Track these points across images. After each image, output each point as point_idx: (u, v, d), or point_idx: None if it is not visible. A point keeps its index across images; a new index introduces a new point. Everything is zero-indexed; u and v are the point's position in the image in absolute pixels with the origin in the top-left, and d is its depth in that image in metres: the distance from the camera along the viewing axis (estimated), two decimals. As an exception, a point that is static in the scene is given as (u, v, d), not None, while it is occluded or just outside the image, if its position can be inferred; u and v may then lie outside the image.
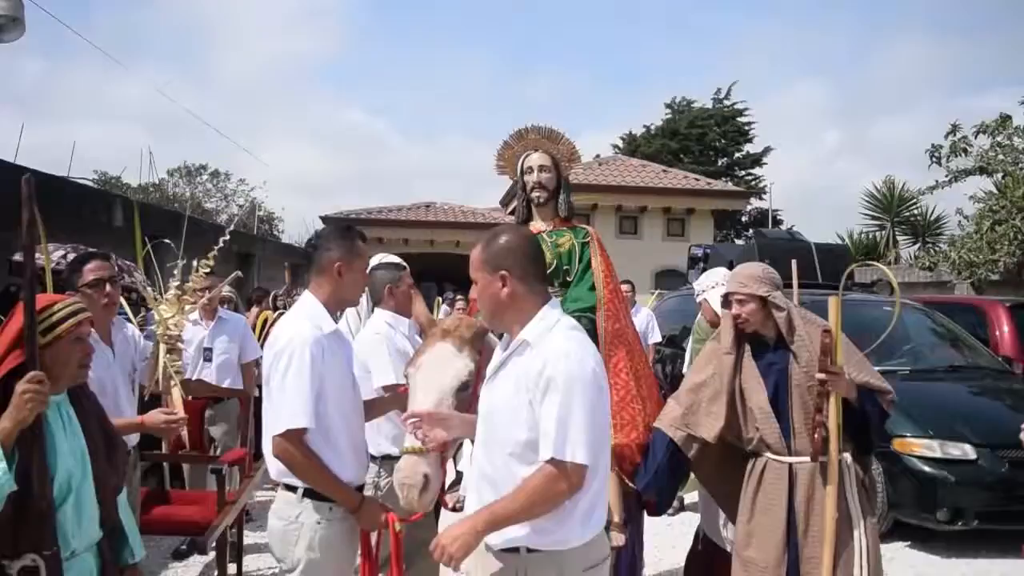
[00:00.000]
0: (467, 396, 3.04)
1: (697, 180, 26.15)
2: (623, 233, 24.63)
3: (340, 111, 65.39)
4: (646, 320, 10.01)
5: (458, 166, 65.46)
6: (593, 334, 4.17)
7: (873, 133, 60.17)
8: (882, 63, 66.36)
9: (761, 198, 35.16)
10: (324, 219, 25.25)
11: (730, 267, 9.95)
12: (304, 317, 3.12)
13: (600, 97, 65.97)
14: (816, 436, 3.39)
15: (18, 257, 6.57)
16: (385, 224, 25.47)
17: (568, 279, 4.29)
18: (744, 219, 35.31)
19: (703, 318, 5.48)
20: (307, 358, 2.97)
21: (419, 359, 3.08)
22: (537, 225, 4.39)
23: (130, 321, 6.40)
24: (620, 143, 39.11)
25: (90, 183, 9.62)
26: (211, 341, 6.56)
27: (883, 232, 25.78)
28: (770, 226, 25.23)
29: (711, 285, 5.10)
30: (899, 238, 25.30)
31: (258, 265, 16.50)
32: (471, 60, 69.05)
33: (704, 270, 10.66)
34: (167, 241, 7.97)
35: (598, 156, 29.94)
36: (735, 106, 37.66)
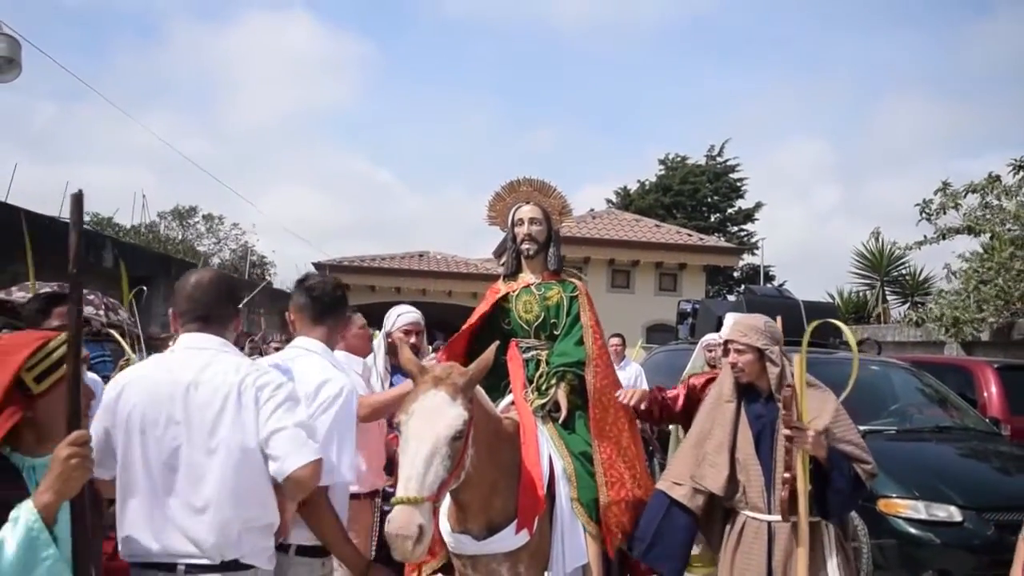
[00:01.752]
0: (460, 445, 3.05)
1: (690, 235, 26.33)
2: (615, 287, 24.72)
3: (345, 160, 66.01)
4: (635, 375, 9.98)
5: (457, 217, 65.89)
6: (581, 390, 4.20)
7: (868, 193, 60.70)
8: (879, 124, 67.21)
9: (753, 254, 35.35)
10: (317, 265, 25.27)
11: (719, 323, 10.03)
12: (333, 366, 3.09)
13: (596, 152, 66.72)
14: (783, 493, 3.36)
15: (2, 295, 6.53)
16: (378, 272, 25.51)
17: (555, 332, 4.31)
18: (736, 275, 35.45)
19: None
20: (354, 410, 2.96)
21: (411, 407, 3.06)
22: (526, 277, 4.42)
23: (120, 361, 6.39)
24: (614, 197, 39.41)
25: (84, 224, 9.60)
26: None
27: (873, 291, 25.93)
28: (762, 282, 25.31)
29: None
30: (889, 297, 25.42)
31: (248, 309, 16.48)
32: (475, 115, 69.92)
33: (693, 325, 10.76)
34: (144, 288, 7.97)
35: (592, 210, 30.15)
36: (728, 163, 38.08)
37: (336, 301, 3.23)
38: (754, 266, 35.06)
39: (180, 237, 28.08)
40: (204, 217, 29.32)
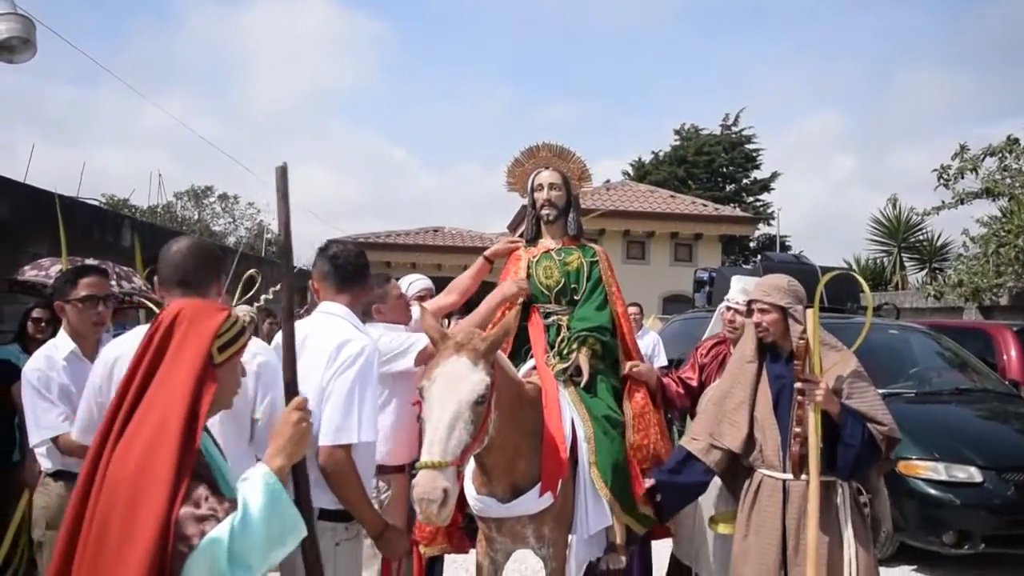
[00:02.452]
0: (483, 410, 3.08)
1: (705, 206, 26.19)
2: (630, 258, 24.65)
3: (359, 139, 65.95)
4: (652, 344, 10.00)
5: (471, 192, 65.79)
6: (603, 355, 4.22)
7: (885, 161, 60.19)
8: (897, 92, 66.50)
9: (769, 224, 35.23)
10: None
11: (736, 291, 9.99)
12: (356, 328, 3.07)
13: (612, 125, 66.37)
14: (793, 449, 3.37)
15: (27, 275, 6.60)
16: (393, 248, 25.58)
17: (576, 298, 4.32)
18: (752, 245, 35.33)
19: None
20: (375, 371, 2.94)
21: (433, 372, 3.09)
22: (546, 243, 4.43)
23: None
24: (630, 169, 39.22)
25: (101, 204, 9.70)
26: None
27: (890, 258, 25.78)
28: (778, 251, 25.21)
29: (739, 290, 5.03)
30: (906, 263, 25.30)
31: (265, 287, 16.52)
32: (490, 92, 69.56)
33: (710, 294, 10.74)
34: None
35: (608, 181, 30.02)
36: (743, 132, 37.83)
37: (359, 268, 3.22)
38: (770, 236, 34.96)
39: (196, 217, 28.24)
40: (219, 197, 29.59)
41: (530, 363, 4.18)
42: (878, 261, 25.73)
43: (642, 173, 37.48)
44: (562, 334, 4.24)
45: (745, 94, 72.73)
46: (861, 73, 66.92)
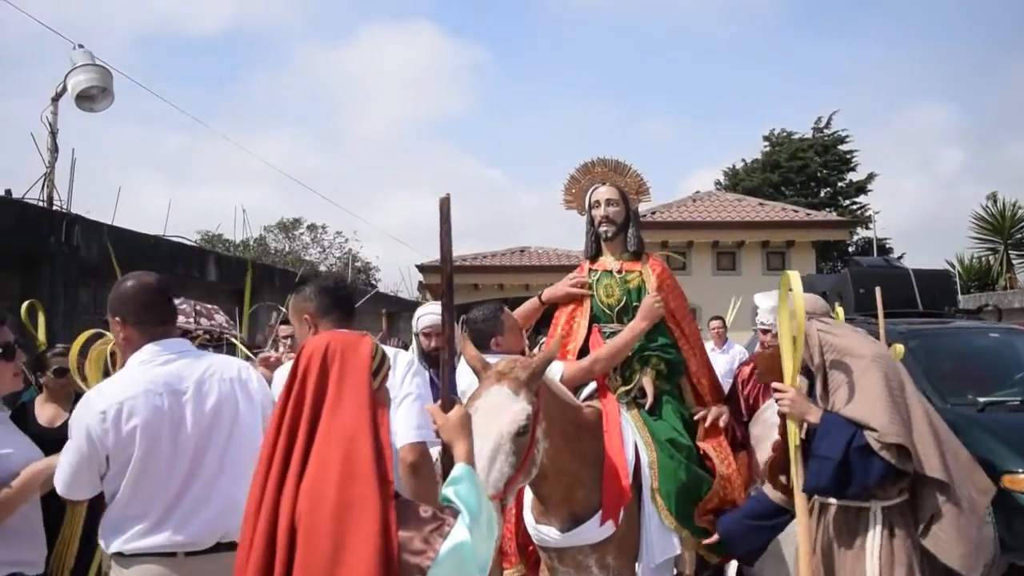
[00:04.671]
0: (526, 441, 2.99)
1: (796, 212, 25.50)
2: (720, 269, 24.15)
3: (458, 163, 67.12)
4: (737, 357, 9.71)
5: (567, 212, 65.91)
6: (668, 374, 4.07)
7: (999, 154, 57.43)
8: (1011, 80, 63.37)
9: (868, 227, 34.11)
10: (420, 267, 25.60)
11: (824, 298, 9.63)
12: None
13: (704, 135, 65.71)
14: (768, 462, 3.19)
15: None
16: (480, 270, 25.63)
17: (637, 316, 4.20)
18: (851, 249, 34.28)
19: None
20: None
21: (474, 404, 3.02)
22: (606, 261, 4.31)
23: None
24: (722, 179, 38.62)
25: (188, 241, 9.99)
26: None
27: (996, 256, 24.57)
28: (875, 254, 24.33)
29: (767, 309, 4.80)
30: (1015, 261, 24.05)
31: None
32: (587, 109, 69.79)
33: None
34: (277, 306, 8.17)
35: (697, 192, 29.56)
36: (836, 134, 36.86)
37: (353, 302, 3.28)
38: (869, 239, 33.83)
39: (287, 249, 28.96)
40: (308, 227, 30.24)
41: (592, 386, 4.06)
42: (983, 260, 24.52)
43: (735, 182, 36.84)
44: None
45: (839, 95, 70.94)
46: (970, 61, 64.11)
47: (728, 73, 66.26)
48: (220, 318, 7.43)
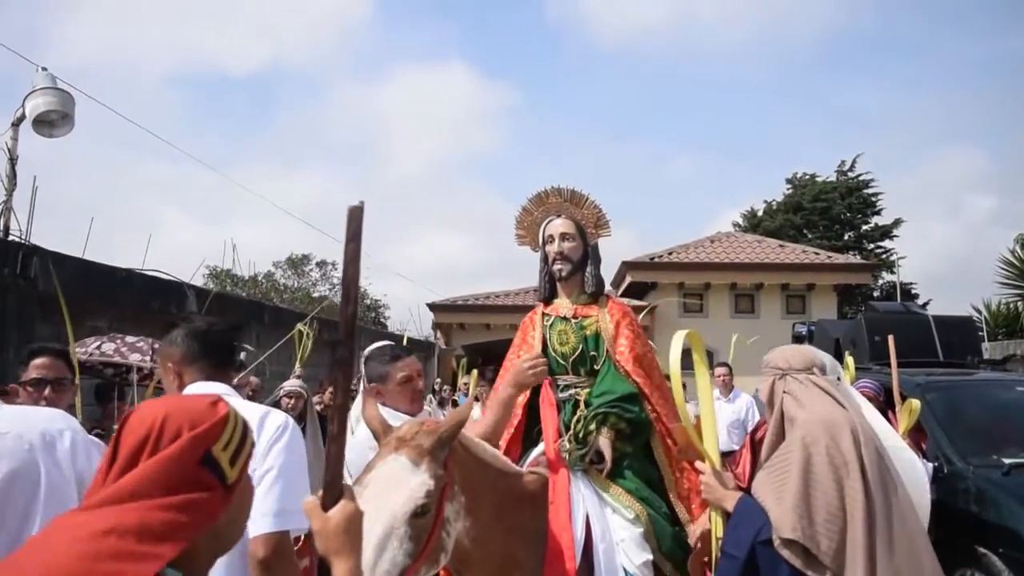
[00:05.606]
0: (427, 523, 2.41)
1: (816, 254, 24.89)
2: (739, 312, 23.57)
3: (486, 201, 67.27)
4: (746, 407, 9.09)
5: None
6: (631, 435, 3.52)
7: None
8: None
9: (892, 271, 33.33)
10: (430, 306, 25.14)
11: (836, 345, 8.99)
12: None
13: (727, 175, 65.29)
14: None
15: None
16: (493, 310, 25.07)
17: (596, 367, 3.65)
18: (876, 295, 33.47)
19: None
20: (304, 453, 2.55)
21: (366, 476, 2.46)
22: (561, 304, 3.78)
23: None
24: (741, 220, 38.08)
25: (164, 274, 9.58)
26: None
27: (1026, 302, 23.71)
28: (899, 299, 23.54)
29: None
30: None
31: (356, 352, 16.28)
32: (614, 149, 69.81)
33: (810, 350, 9.74)
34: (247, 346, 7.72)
35: (718, 232, 29.03)
36: (860, 177, 36.30)
37: (233, 349, 2.78)
38: (895, 284, 33.05)
39: (296, 285, 28.66)
40: (317, 264, 29.98)
41: (538, 449, 3.52)
42: (1011, 306, 23.60)
43: (755, 223, 36.32)
44: (579, 412, 3.54)
45: (864, 138, 70.23)
46: (998, 106, 63.06)
47: (751, 114, 65.91)
48: (141, 354, 6.86)
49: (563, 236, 3.73)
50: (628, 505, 3.30)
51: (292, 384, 6.30)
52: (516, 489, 3.05)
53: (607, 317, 3.70)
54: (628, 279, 24.19)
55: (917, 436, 5.85)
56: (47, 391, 3.41)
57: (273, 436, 2.46)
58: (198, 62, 63.34)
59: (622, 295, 24.06)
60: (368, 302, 24.99)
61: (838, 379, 3.07)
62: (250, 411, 2.41)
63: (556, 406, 3.60)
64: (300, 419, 5.85)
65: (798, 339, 10.27)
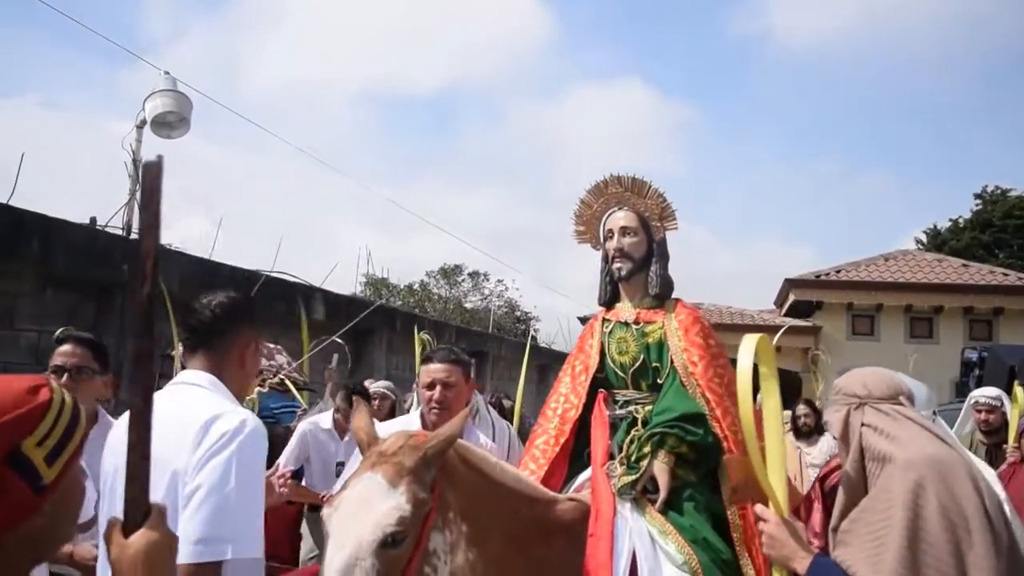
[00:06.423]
0: (401, 555, 2.04)
1: (1006, 275, 22.79)
2: (914, 337, 21.85)
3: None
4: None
5: (765, 269, 63.93)
6: (696, 461, 3.01)
7: None
8: None
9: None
10: (582, 319, 24.74)
11: (1011, 373, 7.94)
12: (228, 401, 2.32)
13: (913, 190, 61.86)
14: None
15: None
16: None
17: (659, 380, 3.17)
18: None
19: None
20: (261, 457, 2.22)
21: (341, 495, 2.15)
22: (623, 308, 3.32)
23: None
24: (924, 238, 35.65)
25: (292, 277, 9.73)
26: (346, 455, 5.75)
27: None
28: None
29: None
30: None
31: (491, 363, 16.13)
32: (801, 166, 67.92)
33: (980, 378, 8.68)
34: (338, 340, 7.67)
35: (895, 251, 27.28)
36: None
37: (216, 321, 2.37)
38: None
39: (448, 295, 29.08)
40: (470, 275, 30.34)
41: (586, 474, 3.08)
42: None
43: (939, 242, 33.92)
44: (634, 431, 3.07)
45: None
46: None
47: (939, 130, 62.07)
48: (281, 359, 6.91)
49: (623, 231, 3.28)
50: (677, 547, 2.79)
51: (380, 385, 6.09)
52: (547, 518, 2.67)
53: (674, 323, 3.21)
54: (791, 297, 22.97)
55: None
56: (65, 379, 3.22)
57: (213, 447, 2.06)
58: (383, 80, 65.96)
59: (785, 315, 22.86)
60: (518, 313, 24.97)
61: (934, 414, 2.47)
62: (201, 412, 2.15)
63: (611, 425, 3.15)
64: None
65: (967, 365, 9.28)
